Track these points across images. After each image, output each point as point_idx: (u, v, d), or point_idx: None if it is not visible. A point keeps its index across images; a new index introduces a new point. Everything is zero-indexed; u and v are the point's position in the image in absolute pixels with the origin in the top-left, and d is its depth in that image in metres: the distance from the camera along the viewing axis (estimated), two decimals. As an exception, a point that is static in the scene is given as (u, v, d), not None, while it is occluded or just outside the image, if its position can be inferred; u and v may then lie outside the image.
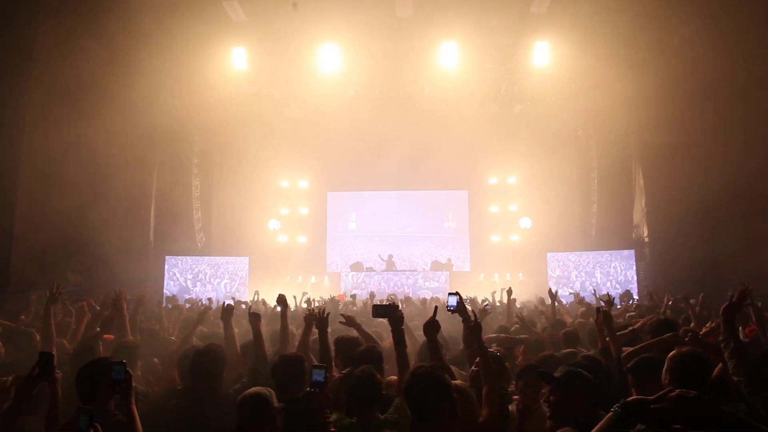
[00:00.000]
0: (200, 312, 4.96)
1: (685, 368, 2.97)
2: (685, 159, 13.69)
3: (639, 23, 13.06)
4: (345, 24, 13.44)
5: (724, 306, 3.29)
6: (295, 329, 5.45)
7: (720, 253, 13.17)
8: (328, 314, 3.89)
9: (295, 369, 3.35)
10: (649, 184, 15.67)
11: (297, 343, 4.19)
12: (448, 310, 4.09)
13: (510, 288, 7.96)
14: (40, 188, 12.27)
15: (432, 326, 3.49)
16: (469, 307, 3.88)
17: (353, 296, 10.89)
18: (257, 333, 4.06)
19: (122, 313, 4.82)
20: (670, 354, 3.12)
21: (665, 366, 3.07)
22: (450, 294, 4.03)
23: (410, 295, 11.00)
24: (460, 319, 3.80)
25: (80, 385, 3.01)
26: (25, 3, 12.01)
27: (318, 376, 2.82)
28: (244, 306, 10.95)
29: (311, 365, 3.02)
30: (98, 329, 4.77)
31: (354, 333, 4.45)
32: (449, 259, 18.88)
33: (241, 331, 7.06)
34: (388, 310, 3.50)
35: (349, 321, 4.64)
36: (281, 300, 4.85)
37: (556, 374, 2.91)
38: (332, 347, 3.94)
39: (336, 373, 3.57)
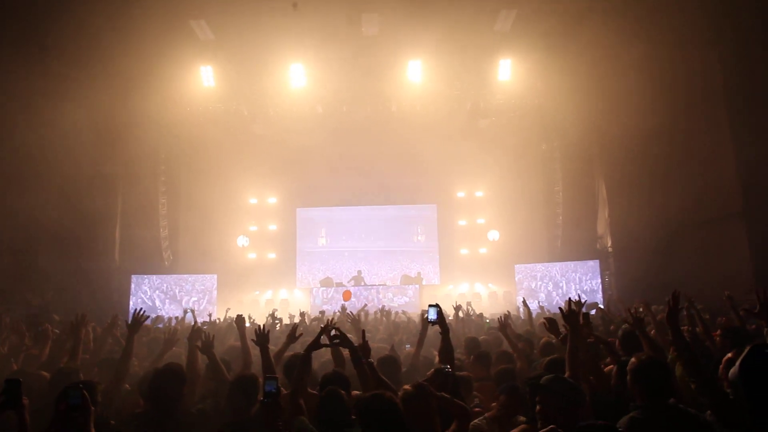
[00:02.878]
0: (168, 335, 4.86)
1: (648, 375, 3.05)
2: (644, 170, 14.13)
3: (597, 40, 13.51)
4: (312, 41, 13.58)
5: (665, 315, 3.41)
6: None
7: (678, 259, 13.59)
8: (268, 332, 3.94)
9: (250, 388, 3.38)
10: (611, 196, 16.10)
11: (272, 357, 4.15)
12: (429, 323, 4.18)
13: (523, 299, 8.10)
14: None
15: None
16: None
17: (322, 312, 10.87)
18: (210, 357, 4.06)
19: (78, 339, 4.57)
20: (631, 363, 3.19)
21: (629, 376, 3.14)
22: (430, 306, 4.13)
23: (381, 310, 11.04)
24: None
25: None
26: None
27: (270, 386, 2.85)
28: (200, 322, 10.84)
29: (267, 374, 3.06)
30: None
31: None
32: (419, 273, 18.99)
33: (223, 348, 7.02)
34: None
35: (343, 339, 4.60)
36: (239, 321, 4.90)
37: (542, 381, 2.98)
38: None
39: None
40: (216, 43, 13.96)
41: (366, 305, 11.14)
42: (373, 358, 4.92)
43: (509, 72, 15.11)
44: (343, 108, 16.18)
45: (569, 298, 4.35)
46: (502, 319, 5.81)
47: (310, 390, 3.72)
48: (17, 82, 12.09)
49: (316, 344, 3.66)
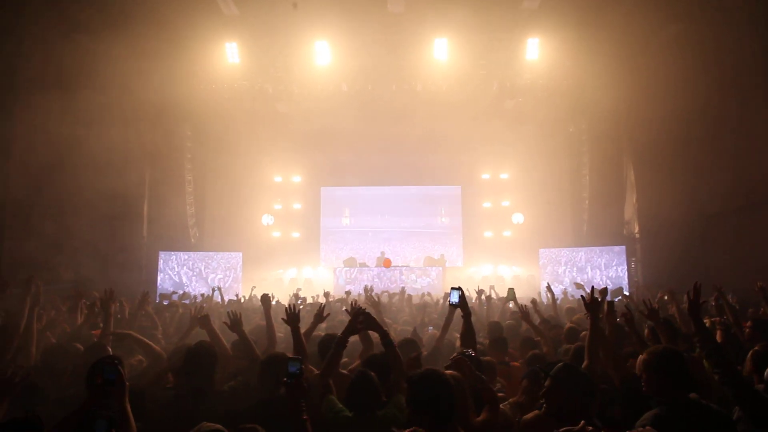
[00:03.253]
0: (193, 315, 4.93)
1: (667, 368, 2.97)
2: (675, 154, 13.78)
3: (629, 18, 13.13)
4: (337, 19, 13.43)
5: (687, 306, 3.32)
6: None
7: (710, 247, 13.31)
8: (298, 312, 3.95)
9: (279, 367, 3.39)
10: (639, 180, 15.76)
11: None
12: (451, 305, 4.17)
13: (548, 284, 8.01)
14: (31, 185, 12.20)
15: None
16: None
17: (347, 293, 10.91)
18: (240, 335, 4.15)
19: (108, 314, 4.68)
20: (646, 356, 3.11)
21: (644, 371, 3.06)
22: (453, 289, 4.11)
23: (405, 290, 11.08)
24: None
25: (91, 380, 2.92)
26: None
27: (293, 367, 2.88)
28: (227, 300, 11.02)
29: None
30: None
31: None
32: (442, 255, 18.94)
33: (249, 327, 7.12)
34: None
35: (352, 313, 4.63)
36: (264, 300, 4.90)
37: (553, 370, 2.95)
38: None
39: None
40: (241, 19, 13.90)
41: (386, 291, 11.13)
42: (395, 341, 4.96)
43: (537, 51, 14.78)
44: (368, 86, 16.04)
45: (592, 287, 4.26)
46: (525, 307, 5.73)
47: (341, 371, 3.76)
48: (50, 58, 12.29)
49: (352, 329, 3.70)
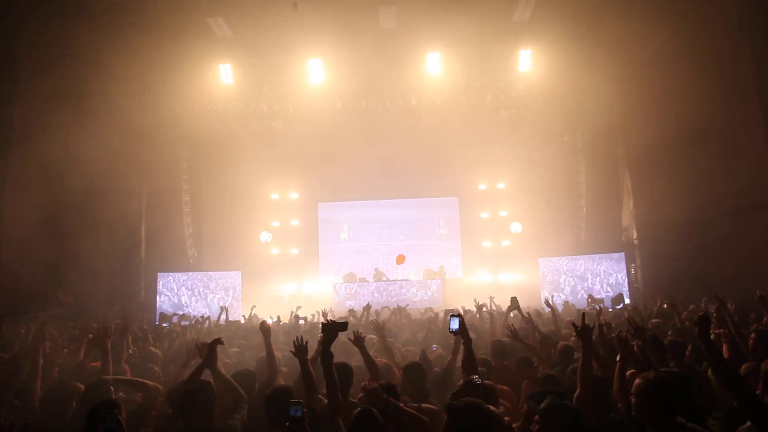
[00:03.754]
0: (190, 349, 4.76)
1: (653, 393, 2.96)
2: (671, 159, 13.83)
3: (619, 26, 13.21)
4: (330, 37, 13.50)
5: (695, 325, 3.31)
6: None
7: (708, 251, 13.31)
8: (306, 342, 3.79)
9: (284, 401, 3.34)
10: (636, 186, 15.81)
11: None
12: (451, 333, 4.15)
13: (545, 300, 7.96)
14: (28, 210, 12.17)
15: None
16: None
17: (351, 310, 10.82)
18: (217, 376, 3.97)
19: (105, 351, 4.47)
20: (638, 380, 3.08)
21: (633, 392, 3.04)
22: (452, 316, 4.10)
23: (400, 305, 11.01)
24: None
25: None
26: (9, 12, 11.99)
27: (295, 411, 2.83)
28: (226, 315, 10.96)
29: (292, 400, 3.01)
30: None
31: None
32: (441, 267, 18.91)
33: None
34: (338, 327, 3.55)
35: (357, 341, 4.44)
36: (264, 329, 4.70)
37: (542, 405, 2.94)
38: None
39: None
40: (234, 41, 14.00)
41: (386, 307, 11.05)
42: (400, 364, 4.91)
43: (529, 62, 14.88)
44: (362, 103, 16.13)
45: (583, 313, 4.21)
46: (511, 326, 5.68)
47: (351, 400, 3.71)
48: (46, 80, 12.32)
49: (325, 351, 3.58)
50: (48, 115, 12.18)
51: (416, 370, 4.31)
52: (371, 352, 4.87)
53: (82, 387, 3.87)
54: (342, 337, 4.76)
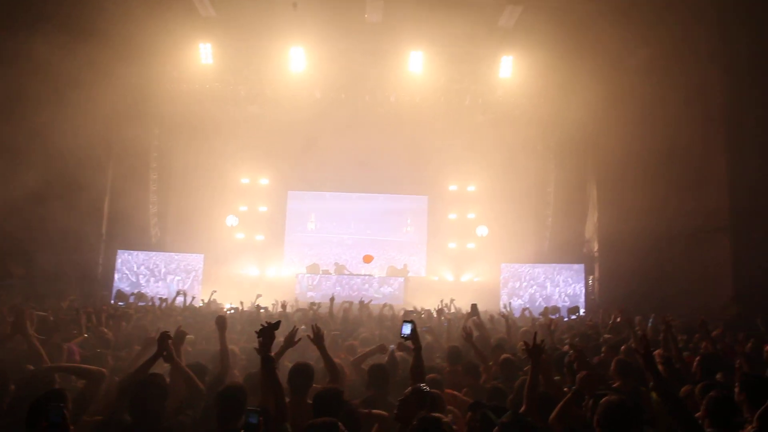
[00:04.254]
0: (145, 342, 4.63)
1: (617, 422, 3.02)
2: (638, 176, 14.16)
3: (601, 42, 13.48)
4: (314, 25, 13.40)
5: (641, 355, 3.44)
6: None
7: (666, 268, 13.72)
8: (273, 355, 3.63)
9: (238, 400, 3.32)
10: (602, 200, 16.17)
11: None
12: (402, 338, 4.19)
13: (502, 313, 8.03)
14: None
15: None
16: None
17: (314, 304, 10.75)
18: (175, 366, 3.89)
19: (27, 335, 4.32)
20: (601, 406, 3.10)
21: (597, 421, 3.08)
22: (405, 322, 4.14)
23: (364, 301, 11.04)
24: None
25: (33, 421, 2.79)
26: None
27: (252, 418, 2.81)
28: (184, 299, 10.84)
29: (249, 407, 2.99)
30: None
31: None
32: (405, 265, 19.01)
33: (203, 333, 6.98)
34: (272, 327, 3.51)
35: (316, 339, 4.32)
36: (220, 322, 4.57)
37: (502, 419, 2.96)
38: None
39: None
40: (217, 20, 13.77)
41: (347, 301, 11.08)
42: (365, 364, 4.92)
43: (510, 69, 15.05)
44: (341, 95, 16.06)
45: (535, 333, 4.30)
46: (468, 328, 5.79)
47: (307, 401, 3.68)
48: (10, 53, 11.90)
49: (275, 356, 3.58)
50: (15, 85, 11.77)
51: (380, 372, 4.34)
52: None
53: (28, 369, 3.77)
54: (302, 333, 4.74)
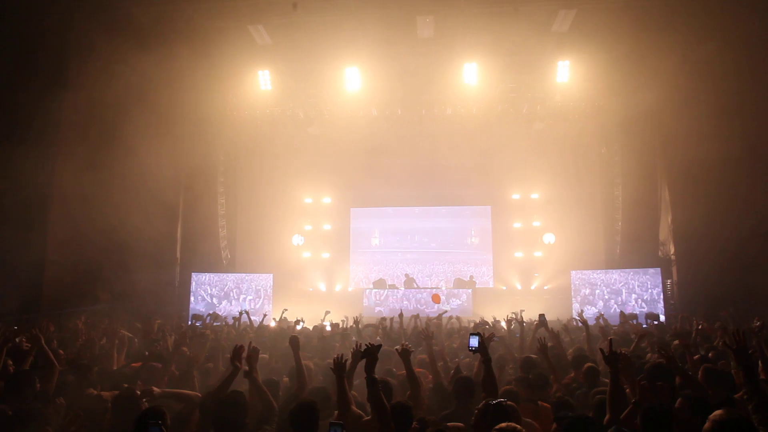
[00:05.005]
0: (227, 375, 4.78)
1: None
2: (711, 174, 13.47)
3: (661, 38, 12.98)
4: (367, 44, 13.60)
5: (732, 352, 3.21)
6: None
7: (749, 268, 12.92)
8: (347, 361, 3.77)
9: (310, 415, 3.38)
10: (675, 200, 15.44)
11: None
12: (470, 351, 4.14)
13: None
14: (71, 208, 12.60)
15: None
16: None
17: (384, 319, 10.81)
18: (253, 382, 3.99)
19: (45, 354, 4.56)
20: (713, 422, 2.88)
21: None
22: (472, 335, 4.08)
23: (430, 314, 11.01)
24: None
25: None
26: (57, 26, 12.47)
27: (335, 431, 2.85)
28: (256, 319, 11.09)
29: (330, 420, 3.03)
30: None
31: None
32: (471, 276, 18.81)
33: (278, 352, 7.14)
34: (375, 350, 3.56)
35: (404, 354, 4.34)
36: (293, 342, 4.68)
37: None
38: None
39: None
40: (273, 47, 14.21)
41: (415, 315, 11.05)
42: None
43: (567, 73, 14.70)
44: (397, 111, 16.20)
45: (610, 339, 4.14)
46: (543, 339, 5.62)
47: None
48: (92, 90, 12.75)
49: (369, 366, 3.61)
50: (92, 120, 12.60)
51: (466, 385, 4.28)
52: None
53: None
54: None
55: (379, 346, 3.60)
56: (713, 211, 13.31)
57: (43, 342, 4.51)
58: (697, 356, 5.71)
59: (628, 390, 3.95)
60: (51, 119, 12.54)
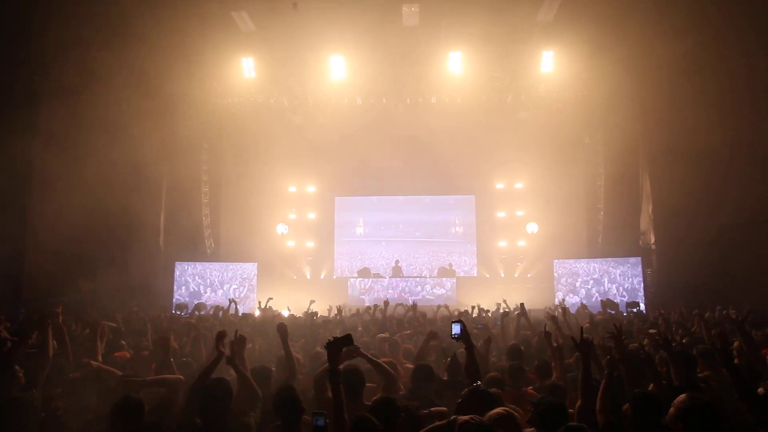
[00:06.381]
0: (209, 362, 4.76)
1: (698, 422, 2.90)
2: (691, 165, 13.68)
3: (645, 31, 13.10)
4: (352, 33, 13.54)
5: (718, 351, 3.31)
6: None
7: (727, 259, 13.19)
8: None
9: (292, 400, 3.43)
10: (655, 191, 15.66)
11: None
12: (452, 338, 4.17)
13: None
14: (51, 197, 12.44)
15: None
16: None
17: (370, 307, 10.84)
18: (238, 371, 3.98)
19: (62, 338, 4.68)
20: (679, 402, 3.00)
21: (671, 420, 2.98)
22: (454, 322, 4.12)
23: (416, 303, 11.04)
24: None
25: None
26: (37, 13, 12.24)
27: (318, 421, 2.86)
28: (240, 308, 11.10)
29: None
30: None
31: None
32: (450, 265, 18.99)
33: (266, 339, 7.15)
34: (343, 342, 3.39)
35: (359, 352, 4.32)
36: (281, 329, 4.68)
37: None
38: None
39: None
40: (257, 35, 14.07)
41: (400, 304, 11.12)
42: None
43: (552, 64, 14.77)
44: (382, 99, 16.18)
45: (581, 327, 4.23)
46: (547, 326, 5.66)
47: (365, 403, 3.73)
48: (68, 72, 12.53)
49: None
50: (72, 109, 12.38)
51: (424, 372, 4.36)
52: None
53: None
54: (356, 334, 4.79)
55: (348, 336, 3.51)
56: (692, 201, 13.55)
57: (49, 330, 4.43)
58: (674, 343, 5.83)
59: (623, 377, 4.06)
60: (28, 106, 12.34)
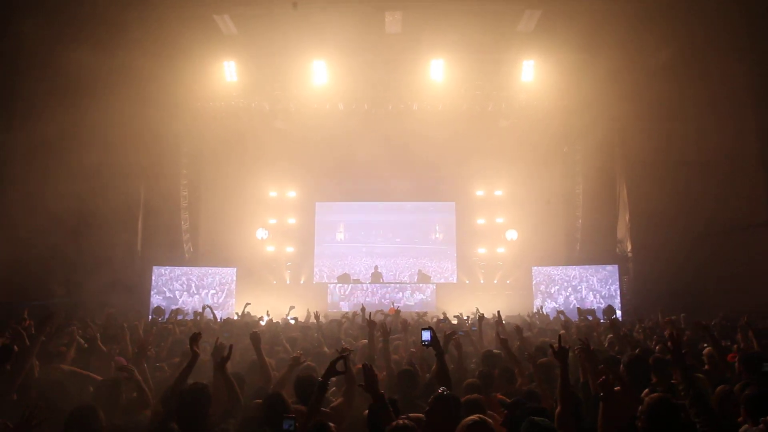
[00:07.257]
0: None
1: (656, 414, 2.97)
2: (668, 174, 13.94)
3: (624, 42, 13.36)
4: (335, 38, 13.56)
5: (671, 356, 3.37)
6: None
7: (703, 268, 13.42)
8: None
9: (279, 408, 3.40)
10: (632, 199, 15.92)
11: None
12: (423, 345, 4.19)
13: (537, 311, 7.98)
14: (24, 199, 12.19)
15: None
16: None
17: (350, 313, 10.80)
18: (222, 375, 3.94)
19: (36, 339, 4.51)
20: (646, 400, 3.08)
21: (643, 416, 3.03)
22: (423, 329, 4.14)
23: (397, 309, 11.06)
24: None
25: None
26: (16, 9, 12.02)
27: (287, 424, 2.87)
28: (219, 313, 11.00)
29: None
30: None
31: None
32: (420, 270, 19.13)
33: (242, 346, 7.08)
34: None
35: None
36: (254, 338, 4.69)
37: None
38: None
39: None
40: (239, 38, 14.02)
41: (380, 311, 11.11)
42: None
43: (532, 73, 14.97)
44: (364, 105, 16.21)
45: (559, 336, 4.28)
46: (503, 332, 5.71)
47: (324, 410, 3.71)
48: (45, 75, 12.34)
49: (331, 371, 3.62)
50: (50, 106, 12.17)
51: (408, 378, 4.37)
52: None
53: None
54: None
55: (339, 360, 3.59)
56: (669, 210, 13.78)
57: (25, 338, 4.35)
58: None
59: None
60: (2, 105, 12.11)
